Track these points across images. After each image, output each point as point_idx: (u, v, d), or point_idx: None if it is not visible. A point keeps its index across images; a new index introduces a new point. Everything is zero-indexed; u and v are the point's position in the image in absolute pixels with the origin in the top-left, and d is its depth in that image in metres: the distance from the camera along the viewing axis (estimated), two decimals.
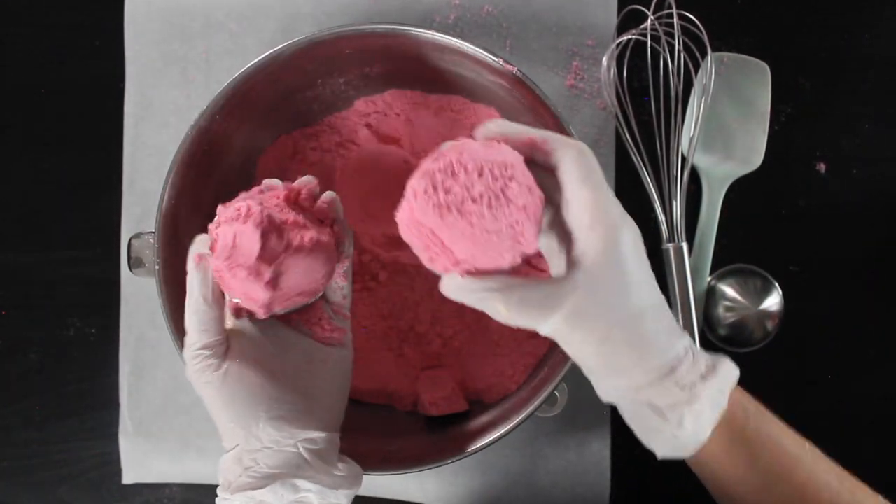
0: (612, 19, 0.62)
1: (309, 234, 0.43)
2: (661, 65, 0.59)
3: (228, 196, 0.50)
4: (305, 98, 0.59)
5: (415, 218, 0.39)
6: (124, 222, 0.64)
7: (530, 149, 0.40)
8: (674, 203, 0.61)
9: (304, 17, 0.63)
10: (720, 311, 0.62)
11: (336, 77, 0.58)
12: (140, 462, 0.64)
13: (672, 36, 0.59)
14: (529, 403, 0.52)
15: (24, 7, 0.65)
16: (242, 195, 0.46)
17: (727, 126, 0.62)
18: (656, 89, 0.61)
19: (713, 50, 0.59)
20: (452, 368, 0.59)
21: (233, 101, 0.52)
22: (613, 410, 0.45)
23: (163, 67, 0.64)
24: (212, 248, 0.43)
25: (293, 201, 0.46)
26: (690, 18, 0.58)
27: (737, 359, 0.43)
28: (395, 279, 0.59)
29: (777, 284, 0.61)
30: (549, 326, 0.39)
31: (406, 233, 0.40)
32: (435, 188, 0.38)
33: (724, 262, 0.63)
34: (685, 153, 0.61)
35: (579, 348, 0.40)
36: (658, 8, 0.59)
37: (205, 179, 0.55)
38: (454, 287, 0.40)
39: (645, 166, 0.61)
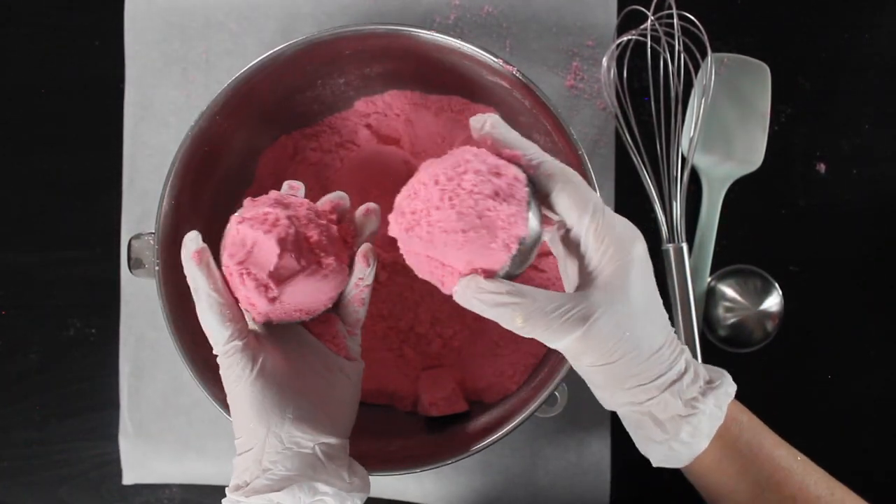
0: (612, 20, 0.62)
1: (327, 261, 0.43)
2: (661, 65, 0.59)
3: (228, 196, 0.50)
4: (305, 98, 0.59)
5: (406, 251, 0.40)
6: (124, 222, 0.64)
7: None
8: (674, 203, 0.61)
9: (304, 18, 0.63)
10: (720, 311, 0.61)
11: (336, 77, 0.58)
12: (140, 462, 0.64)
13: (672, 36, 0.59)
14: (529, 404, 0.52)
15: (24, 7, 0.65)
16: (274, 194, 0.44)
17: (727, 126, 0.62)
18: (656, 90, 0.61)
19: (713, 50, 0.59)
20: (452, 369, 0.59)
21: (233, 102, 0.52)
22: (613, 412, 0.45)
23: (163, 67, 0.64)
24: (225, 243, 0.42)
25: (322, 217, 0.44)
26: (690, 19, 0.58)
27: (737, 359, 0.43)
28: (395, 279, 0.59)
29: (777, 285, 0.61)
30: (563, 343, 0.40)
31: (413, 266, 0.41)
32: (402, 214, 0.39)
33: (723, 262, 0.63)
34: (685, 153, 0.61)
35: (587, 364, 0.41)
36: (658, 8, 0.59)
37: (205, 179, 0.55)
38: (468, 295, 0.39)
39: (645, 167, 0.61)
